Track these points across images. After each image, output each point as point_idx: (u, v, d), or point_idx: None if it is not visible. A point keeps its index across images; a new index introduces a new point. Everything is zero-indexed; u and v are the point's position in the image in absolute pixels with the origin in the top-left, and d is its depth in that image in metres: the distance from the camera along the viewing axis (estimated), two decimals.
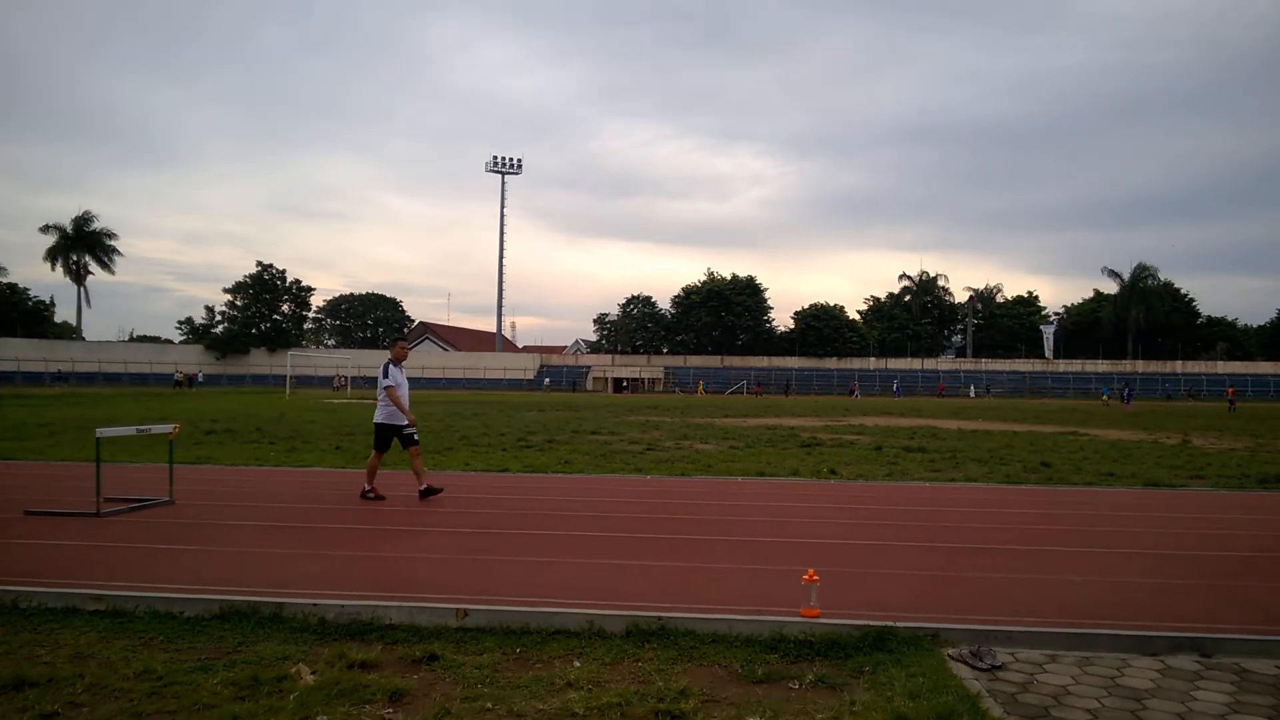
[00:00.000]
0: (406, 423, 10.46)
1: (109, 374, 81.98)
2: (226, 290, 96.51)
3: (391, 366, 10.50)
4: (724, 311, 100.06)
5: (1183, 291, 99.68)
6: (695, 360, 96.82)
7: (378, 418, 10.51)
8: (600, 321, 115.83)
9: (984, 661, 4.86)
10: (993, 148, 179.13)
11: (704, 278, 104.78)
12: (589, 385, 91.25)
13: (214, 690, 4.31)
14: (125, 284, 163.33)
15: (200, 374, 78.75)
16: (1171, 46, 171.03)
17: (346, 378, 69.94)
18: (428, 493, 10.43)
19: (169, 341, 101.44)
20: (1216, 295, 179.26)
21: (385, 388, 10.39)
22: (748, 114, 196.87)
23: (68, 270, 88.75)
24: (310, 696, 4.23)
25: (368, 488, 10.45)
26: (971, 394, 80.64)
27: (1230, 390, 54.02)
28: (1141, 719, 4.16)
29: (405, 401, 10.43)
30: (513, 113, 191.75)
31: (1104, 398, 66.13)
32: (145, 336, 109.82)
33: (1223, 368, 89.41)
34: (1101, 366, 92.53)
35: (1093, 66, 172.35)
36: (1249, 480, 13.44)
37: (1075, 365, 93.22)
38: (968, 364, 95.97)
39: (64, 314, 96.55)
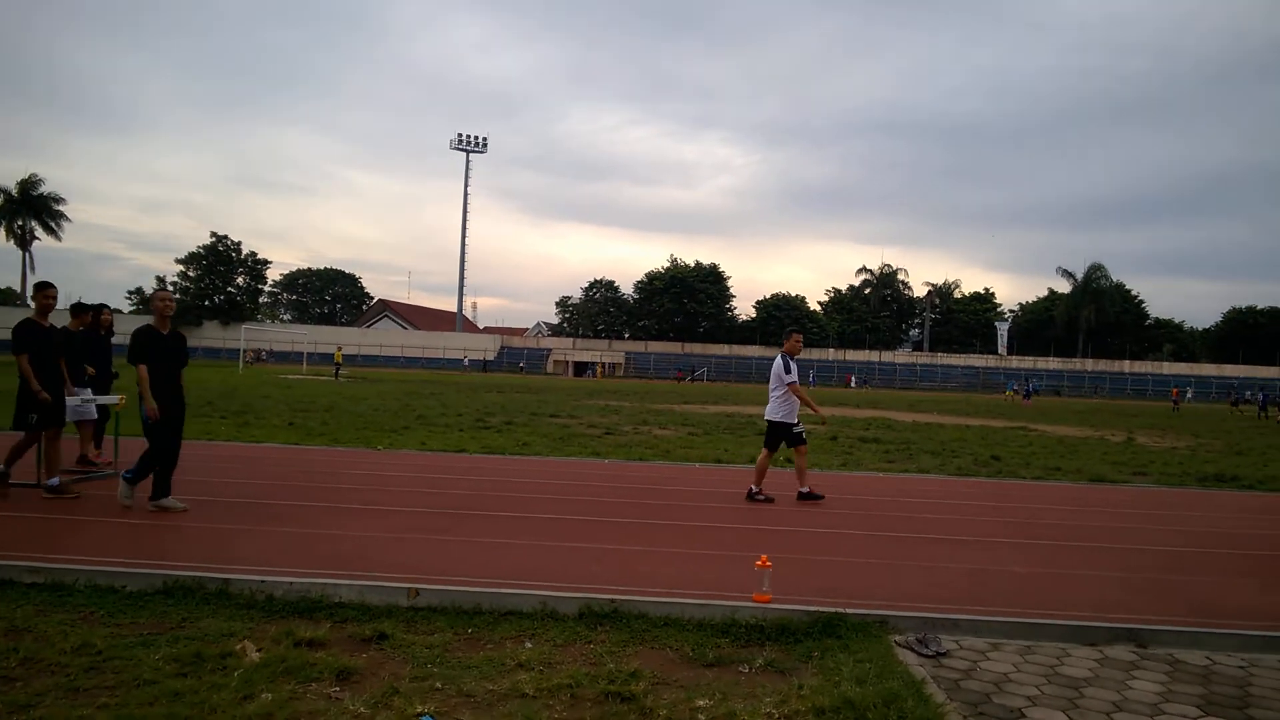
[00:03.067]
0: (796, 421, 9.81)
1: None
2: (179, 261, 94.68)
3: (791, 361, 9.75)
4: (686, 299, 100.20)
5: (1133, 293, 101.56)
6: (656, 346, 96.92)
7: (773, 415, 9.83)
8: (563, 304, 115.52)
9: (929, 649, 4.94)
10: (956, 146, 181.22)
11: (667, 264, 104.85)
12: (549, 368, 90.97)
13: (155, 666, 4.23)
14: (74, 250, 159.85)
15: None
16: (1130, 54, 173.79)
17: (266, 352, 68.26)
18: (807, 496, 9.81)
19: (119, 311, 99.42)
20: (1165, 298, 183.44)
21: (789, 384, 9.67)
22: (716, 102, 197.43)
23: (11, 234, 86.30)
24: (255, 674, 4.17)
25: (756, 489, 9.82)
26: (851, 384, 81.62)
27: (1175, 390, 55.38)
28: (1078, 706, 4.25)
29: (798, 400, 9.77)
30: (479, 91, 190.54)
31: (1008, 393, 67.17)
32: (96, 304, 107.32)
33: (1168, 368, 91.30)
34: (1053, 364, 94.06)
35: (1055, 70, 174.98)
36: (1189, 478, 13.79)
37: (1028, 361, 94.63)
38: (924, 358, 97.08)
39: (7, 279, 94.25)
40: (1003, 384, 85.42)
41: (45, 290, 8.44)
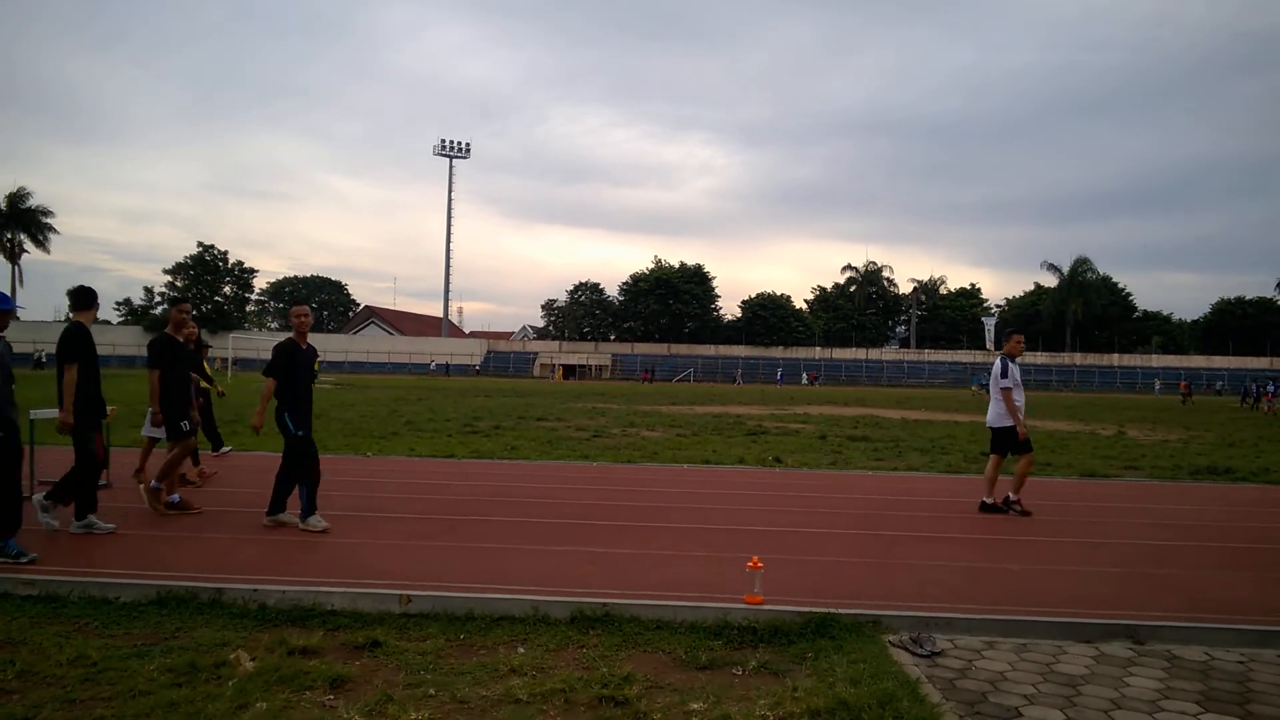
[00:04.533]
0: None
1: (47, 355, 79.68)
2: (166, 271, 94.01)
3: (1010, 364, 9.39)
4: (672, 300, 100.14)
5: (1120, 286, 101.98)
6: (643, 348, 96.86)
7: (997, 421, 9.43)
8: (548, 308, 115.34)
9: (924, 648, 4.95)
10: (937, 143, 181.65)
11: (652, 266, 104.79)
12: (535, 371, 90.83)
13: (150, 677, 4.22)
14: (61, 263, 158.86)
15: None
16: (1108, 49, 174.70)
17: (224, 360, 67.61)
18: (1016, 508, 9.34)
19: (106, 322, 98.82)
20: (1153, 290, 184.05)
21: (1002, 389, 9.29)
22: (697, 103, 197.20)
23: (0, 248, 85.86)
24: (249, 683, 4.16)
25: (989, 499, 9.45)
26: (804, 380, 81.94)
27: (1184, 384, 55.17)
28: (1075, 704, 4.26)
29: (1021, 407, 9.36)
30: (461, 97, 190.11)
31: (974, 387, 67.34)
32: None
33: (1157, 361, 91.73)
34: (1040, 358, 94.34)
35: (1034, 67, 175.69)
36: (1181, 471, 13.85)
37: None
38: (911, 354, 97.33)
39: None
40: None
41: (180, 306, 8.57)
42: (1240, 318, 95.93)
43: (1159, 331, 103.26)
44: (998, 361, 9.51)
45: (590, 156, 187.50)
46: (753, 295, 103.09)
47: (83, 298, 7.60)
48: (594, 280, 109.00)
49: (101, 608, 5.34)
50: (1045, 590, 6.18)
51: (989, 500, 9.47)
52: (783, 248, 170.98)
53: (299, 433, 7.65)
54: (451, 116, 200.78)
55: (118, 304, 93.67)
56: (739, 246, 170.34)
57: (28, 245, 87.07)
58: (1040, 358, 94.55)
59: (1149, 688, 4.51)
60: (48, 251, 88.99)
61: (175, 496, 8.41)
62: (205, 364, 13.12)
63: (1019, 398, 9.38)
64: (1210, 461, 15.17)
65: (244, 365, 73.10)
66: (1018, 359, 9.53)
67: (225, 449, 13.25)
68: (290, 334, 7.94)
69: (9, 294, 7.93)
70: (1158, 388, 74.82)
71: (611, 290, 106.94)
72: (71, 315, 7.55)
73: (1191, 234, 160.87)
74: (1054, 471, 13.49)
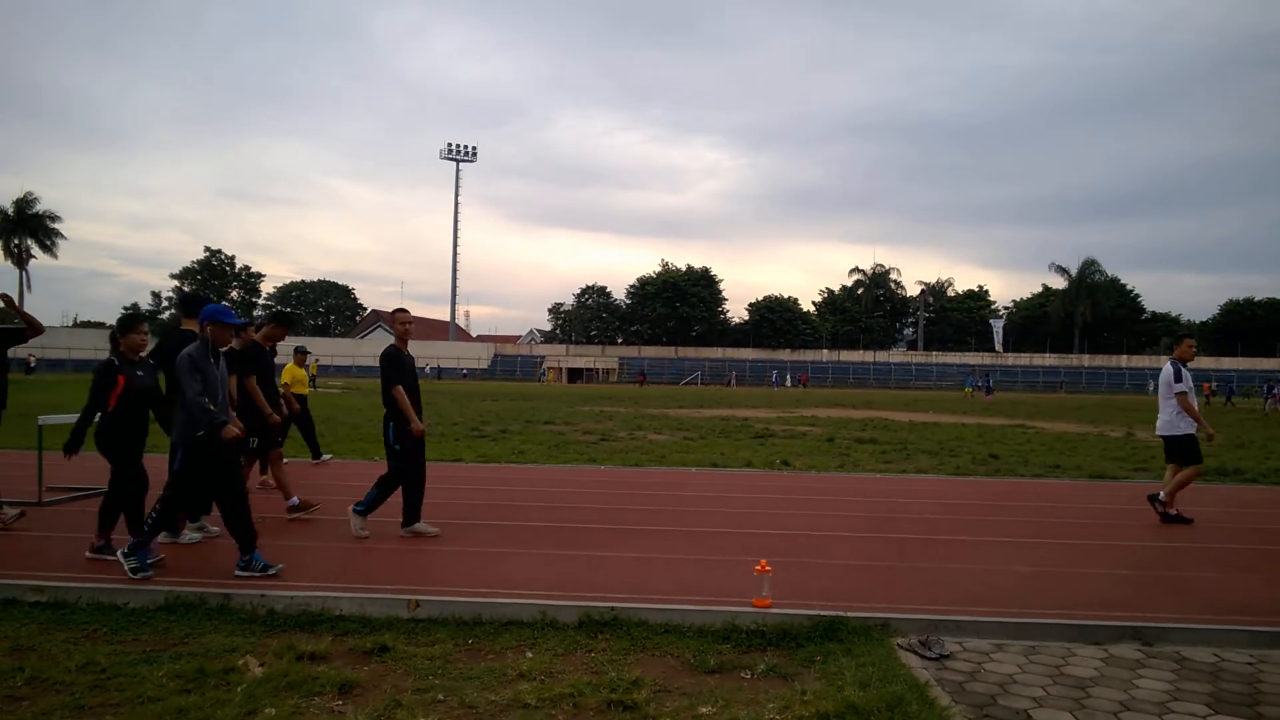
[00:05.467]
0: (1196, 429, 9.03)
1: (52, 360, 79.89)
2: (174, 276, 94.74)
3: (1183, 368, 9.08)
4: (679, 302, 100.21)
5: (1129, 287, 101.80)
6: (650, 351, 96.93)
7: (1167, 429, 9.14)
8: (555, 311, 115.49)
9: (932, 651, 4.93)
10: (944, 144, 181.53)
11: (659, 269, 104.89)
12: (548, 376, 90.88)
13: (159, 683, 4.23)
14: (68, 268, 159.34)
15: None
16: (1117, 50, 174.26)
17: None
18: (1173, 518, 9.10)
19: (113, 327, 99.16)
20: (1161, 291, 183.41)
21: (1177, 394, 8.96)
22: (702, 107, 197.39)
23: (8, 253, 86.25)
24: (258, 689, 4.17)
25: (1170, 510, 9.15)
26: (787, 383, 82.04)
27: (1207, 386, 54.59)
28: (1085, 707, 4.25)
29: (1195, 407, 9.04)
30: (468, 101, 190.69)
31: (967, 389, 67.08)
32: (89, 322, 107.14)
33: (1166, 362, 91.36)
34: (1049, 360, 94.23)
35: (1044, 67, 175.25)
36: None
37: (1024, 358, 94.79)
38: (919, 357, 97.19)
39: None
40: (1000, 381, 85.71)
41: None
42: (1250, 319, 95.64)
43: (1168, 333, 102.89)
44: (1168, 366, 9.16)
45: (596, 160, 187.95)
46: (760, 298, 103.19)
47: (188, 305, 7.65)
48: (601, 283, 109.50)
49: (110, 614, 5.36)
50: (1054, 592, 6.15)
51: (1169, 510, 9.16)
52: (790, 250, 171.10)
53: (397, 446, 7.54)
54: (458, 121, 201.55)
55: (125, 309, 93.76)
56: (746, 249, 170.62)
57: (35, 250, 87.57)
58: (1048, 359, 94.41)
59: (1158, 690, 4.49)
60: (55, 256, 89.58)
61: (294, 499, 8.53)
62: (304, 369, 13.20)
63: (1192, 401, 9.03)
64: (1219, 462, 15.09)
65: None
66: (1189, 363, 9.18)
67: (326, 457, 13.28)
68: (393, 340, 7.81)
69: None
70: (1151, 388, 74.61)
71: (618, 293, 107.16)
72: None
73: (1200, 235, 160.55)
74: (1063, 473, 13.45)
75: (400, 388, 7.46)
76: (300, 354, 13.65)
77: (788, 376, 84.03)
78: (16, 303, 8.04)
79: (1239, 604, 5.94)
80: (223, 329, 6.34)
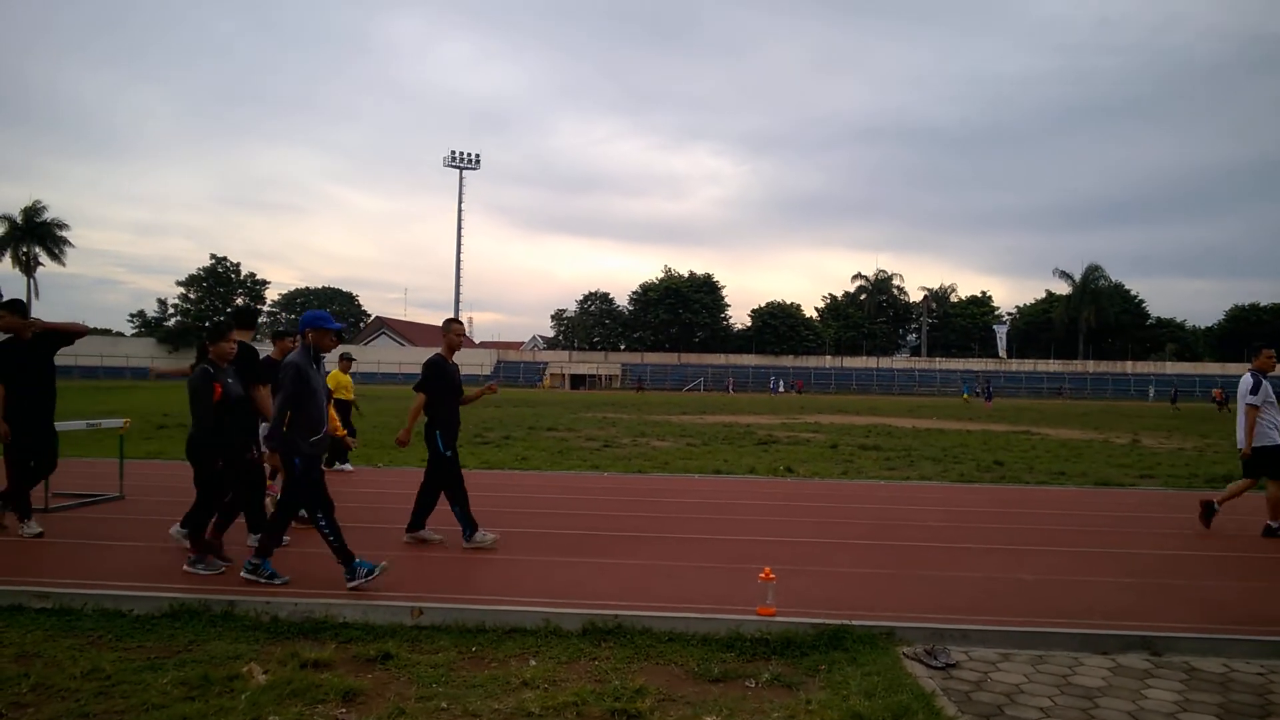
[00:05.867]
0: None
1: (59, 367, 79.93)
2: (180, 283, 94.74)
3: (1262, 379, 8.77)
4: (681, 309, 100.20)
5: (1133, 293, 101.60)
6: (652, 357, 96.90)
7: (1258, 440, 8.76)
8: (558, 318, 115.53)
9: (938, 660, 4.92)
10: (947, 150, 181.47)
11: (661, 275, 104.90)
12: (545, 381, 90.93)
13: (163, 690, 4.23)
14: (76, 275, 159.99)
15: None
16: (1118, 55, 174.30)
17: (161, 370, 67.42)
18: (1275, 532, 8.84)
19: (120, 334, 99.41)
20: (1165, 297, 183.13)
21: (1249, 405, 8.71)
22: (704, 113, 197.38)
23: (17, 261, 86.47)
24: (262, 696, 4.16)
25: (1272, 522, 8.85)
26: (780, 389, 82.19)
27: (1218, 392, 53.93)
28: (1093, 717, 4.23)
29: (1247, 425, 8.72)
30: (470, 109, 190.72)
31: (964, 396, 66.87)
32: (96, 329, 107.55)
33: (1171, 368, 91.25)
34: (1053, 366, 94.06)
35: (1046, 72, 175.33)
36: (1197, 480, 13.74)
37: (1028, 365, 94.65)
38: (922, 363, 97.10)
39: None
40: (1004, 387, 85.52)
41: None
42: (1255, 324, 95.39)
43: (1172, 339, 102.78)
44: (1247, 376, 8.88)
45: (599, 167, 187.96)
46: (763, 304, 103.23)
47: (242, 316, 7.66)
48: (604, 290, 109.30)
49: (115, 620, 5.37)
50: (1061, 601, 6.13)
51: (1273, 524, 8.85)
52: (792, 256, 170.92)
53: (448, 453, 7.53)
54: (460, 128, 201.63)
55: (131, 316, 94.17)
56: (748, 255, 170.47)
57: (43, 258, 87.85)
58: (1053, 365, 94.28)
59: (1167, 700, 4.47)
60: (63, 264, 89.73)
61: None
62: (346, 375, 13.09)
63: (1269, 416, 8.72)
64: (1227, 470, 15.03)
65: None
66: (1270, 374, 8.88)
67: (346, 467, 13.20)
68: (439, 349, 7.75)
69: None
70: (1151, 394, 74.65)
71: (621, 300, 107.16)
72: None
73: (1205, 240, 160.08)
74: (1068, 480, 13.41)
75: (424, 396, 7.50)
76: (346, 360, 13.51)
77: (781, 382, 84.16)
78: (28, 306, 8.01)
79: (1249, 613, 5.91)
80: (323, 334, 6.36)
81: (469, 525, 7.59)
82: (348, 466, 13.21)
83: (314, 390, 6.15)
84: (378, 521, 8.68)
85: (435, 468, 7.61)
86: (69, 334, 7.83)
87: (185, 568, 6.48)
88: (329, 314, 6.48)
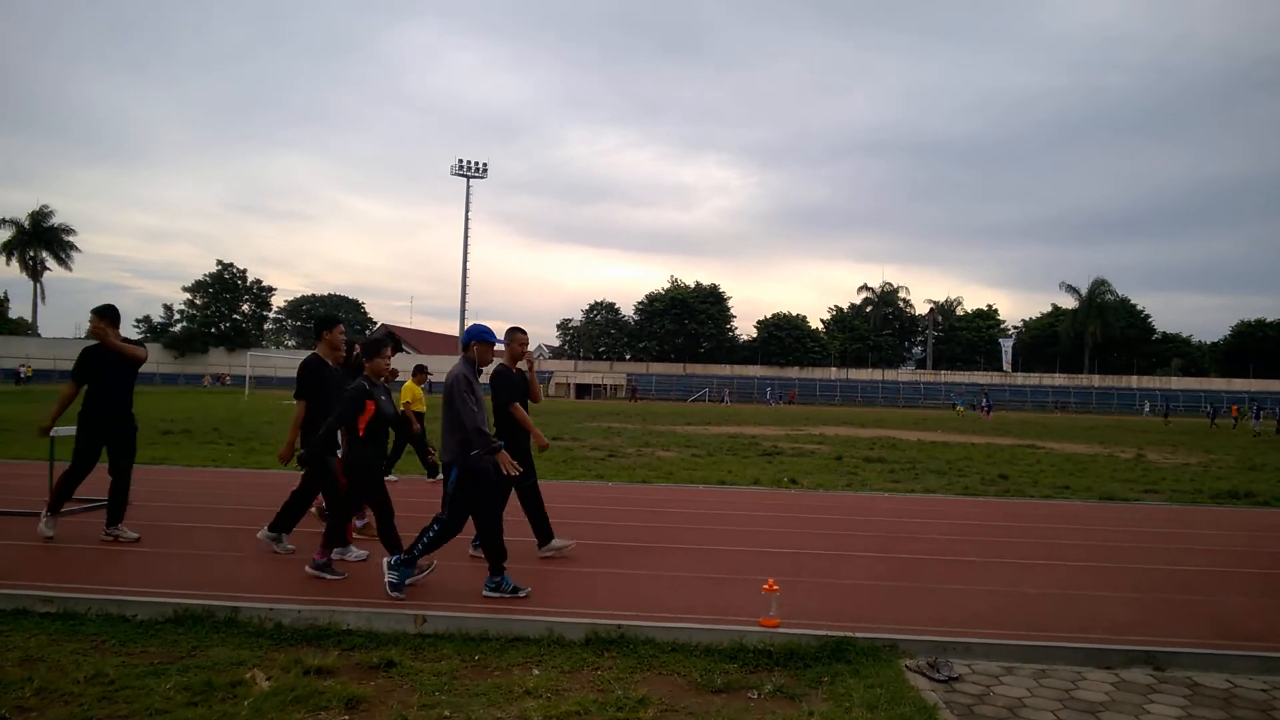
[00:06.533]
0: None
1: (65, 371, 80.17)
2: (186, 289, 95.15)
3: None
4: (687, 319, 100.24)
5: (1139, 308, 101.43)
6: (658, 367, 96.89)
7: None
8: (564, 327, 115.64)
9: (941, 673, 4.91)
10: (954, 163, 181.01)
11: (667, 285, 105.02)
12: (550, 390, 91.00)
13: (167, 695, 4.24)
14: (82, 280, 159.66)
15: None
16: (1126, 71, 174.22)
17: (229, 377, 67.75)
18: None
19: (126, 340, 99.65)
20: (1172, 312, 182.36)
21: None
22: (712, 124, 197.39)
23: (24, 266, 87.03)
24: (265, 702, 4.17)
25: None
26: (769, 400, 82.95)
27: (1234, 409, 53.31)
28: None
29: None
30: (478, 118, 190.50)
31: (958, 409, 66.60)
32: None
33: (1177, 383, 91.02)
34: (1058, 380, 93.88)
35: (1052, 87, 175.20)
36: (1202, 495, 13.71)
37: (1033, 378, 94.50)
38: (927, 375, 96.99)
39: (19, 310, 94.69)
40: (1008, 401, 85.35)
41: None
42: (1261, 340, 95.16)
43: (1179, 354, 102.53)
44: None
45: (606, 177, 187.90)
46: (768, 315, 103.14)
47: (323, 324, 7.68)
48: (610, 300, 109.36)
49: (119, 625, 5.38)
50: (1064, 615, 6.12)
51: None
52: (798, 268, 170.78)
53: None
54: (468, 137, 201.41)
55: (138, 321, 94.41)
56: (755, 266, 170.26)
57: (50, 263, 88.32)
58: (1058, 379, 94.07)
59: (1170, 715, 4.46)
60: (70, 269, 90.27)
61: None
62: (420, 388, 12.98)
63: None
64: (1231, 485, 15.03)
65: (262, 383, 73.53)
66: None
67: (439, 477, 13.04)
68: (501, 360, 7.68)
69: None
70: (1147, 409, 74.57)
71: (627, 310, 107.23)
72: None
73: (1211, 256, 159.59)
74: (1072, 495, 13.39)
75: (517, 405, 7.48)
76: (421, 373, 13.39)
77: (769, 392, 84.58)
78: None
79: (1253, 629, 5.90)
80: (487, 348, 6.47)
81: (545, 534, 7.64)
82: (392, 477, 13.06)
83: (480, 400, 6.24)
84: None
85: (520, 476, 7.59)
86: (129, 357, 7.86)
87: (308, 569, 6.60)
88: (490, 329, 6.54)
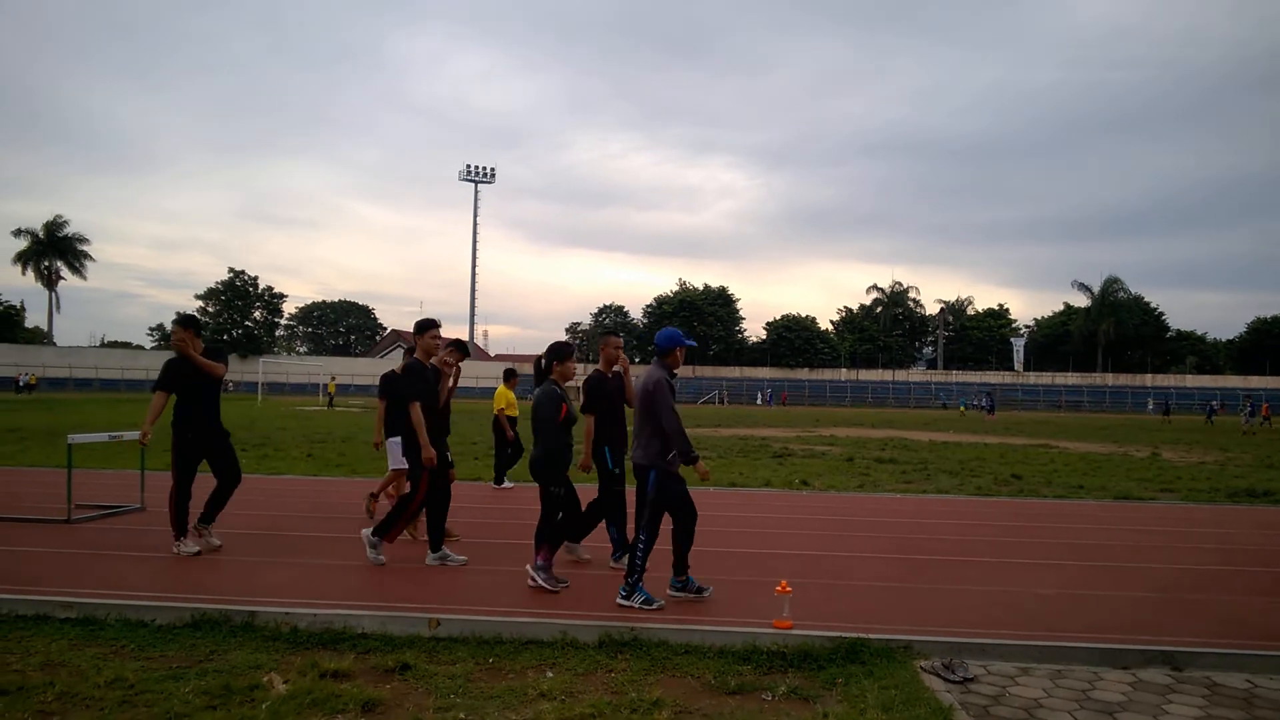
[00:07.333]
0: None
1: (80, 379, 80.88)
2: (198, 296, 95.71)
3: None
4: (696, 321, 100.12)
5: (1152, 305, 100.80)
6: None
7: None
8: (573, 330, 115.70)
9: (956, 674, 4.90)
10: (963, 162, 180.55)
11: (676, 288, 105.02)
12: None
13: (185, 699, 4.27)
14: (96, 289, 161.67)
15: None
16: (1134, 66, 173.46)
17: (229, 384, 68.03)
18: None
19: (140, 347, 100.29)
20: (1186, 309, 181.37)
21: None
22: (718, 126, 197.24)
23: (39, 275, 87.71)
24: (283, 706, 4.20)
25: None
26: (758, 400, 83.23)
27: (1265, 407, 52.52)
28: None
29: None
30: (485, 124, 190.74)
31: (961, 409, 66.32)
32: (116, 342, 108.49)
33: (1192, 381, 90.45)
34: (1071, 379, 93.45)
35: (1065, 84, 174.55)
36: (1219, 494, 13.63)
37: (1045, 378, 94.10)
38: (939, 376, 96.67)
39: (35, 319, 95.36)
40: (1021, 400, 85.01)
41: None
42: (1277, 337, 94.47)
43: (1193, 351, 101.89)
44: None
45: (613, 180, 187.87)
46: (777, 317, 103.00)
47: (423, 326, 7.76)
48: (618, 303, 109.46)
49: (138, 630, 5.42)
50: (1080, 615, 6.10)
51: None
52: (807, 269, 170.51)
53: (616, 469, 7.54)
54: (475, 144, 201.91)
55: (150, 329, 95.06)
56: (763, 268, 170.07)
57: (64, 272, 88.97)
58: (1071, 379, 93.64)
59: (1189, 716, 4.44)
60: (84, 278, 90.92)
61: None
62: (512, 392, 12.94)
63: None
64: (1249, 484, 14.94)
65: (274, 389, 73.76)
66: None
67: (507, 484, 12.96)
68: (596, 365, 7.73)
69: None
70: (1150, 407, 74.10)
71: (636, 313, 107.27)
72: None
73: (1224, 252, 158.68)
74: (1087, 494, 13.34)
75: (594, 415, 7.53)
76: (512, 376, 13.25)
77: (759, 395, 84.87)
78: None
79: (1273, 629, 5.85)
80: (683, 351, 6.51)
81: (621, 547, 7.53)
82: (508, 484, 12.98)
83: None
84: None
85: (605, 485, 7.60)
86: (209, 373, 7.76)
87: (530, 572, 6.61)
88: (682, 332, 6.52)
